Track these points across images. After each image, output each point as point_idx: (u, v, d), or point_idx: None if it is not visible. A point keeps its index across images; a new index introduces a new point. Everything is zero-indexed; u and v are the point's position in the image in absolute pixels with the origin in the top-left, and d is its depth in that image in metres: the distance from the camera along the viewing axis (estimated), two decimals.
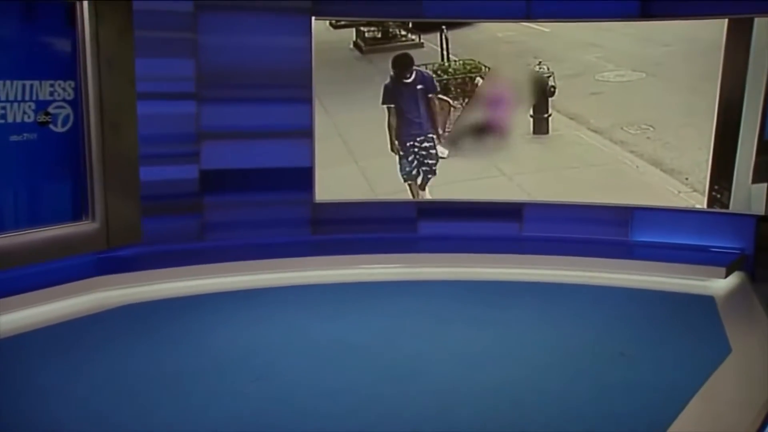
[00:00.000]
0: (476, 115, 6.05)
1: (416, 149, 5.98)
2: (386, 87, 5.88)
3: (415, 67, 5.89)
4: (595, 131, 5.92)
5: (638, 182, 5.87)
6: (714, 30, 5.54)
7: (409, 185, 6.07)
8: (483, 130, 6.03)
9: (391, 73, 5.91)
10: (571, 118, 5.97)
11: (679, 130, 5.75)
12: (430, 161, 6.00)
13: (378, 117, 6.04)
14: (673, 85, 5.73)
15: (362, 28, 6.01)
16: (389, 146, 5.96)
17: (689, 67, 5.67)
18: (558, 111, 6.01)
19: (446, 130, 5.99)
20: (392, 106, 5.89)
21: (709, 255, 5.62)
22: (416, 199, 6.14)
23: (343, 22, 5.95)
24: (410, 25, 6.05)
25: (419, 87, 5.91)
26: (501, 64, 6.00)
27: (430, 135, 5.96)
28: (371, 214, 6.14)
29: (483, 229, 6.13)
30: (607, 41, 5.88)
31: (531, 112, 6.03)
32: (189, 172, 5.78)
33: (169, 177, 5.68)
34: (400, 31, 6.02)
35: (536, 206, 6.16)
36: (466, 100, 6.02)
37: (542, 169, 6.05)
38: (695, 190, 5.74)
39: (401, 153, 5.97)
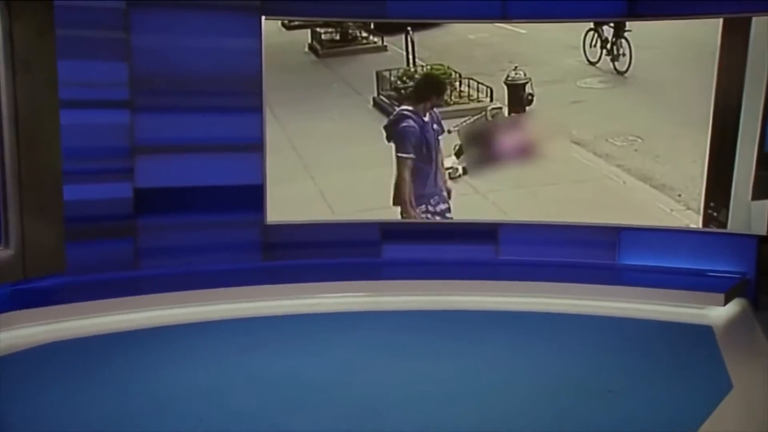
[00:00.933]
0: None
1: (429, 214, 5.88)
2: (410, 129, 5.74)
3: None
4: (577, 143, 5.89)
5: (626, 200, 5.82)
6: (708, 31, 5.48)
7: None
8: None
9: (412, 104, 5.83)
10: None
11: (670, 141, 5.69)
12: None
13: (337, 128, 5.92)
14: (664, 92, 5.69)
15: (318, 30, 5.93)
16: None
17: (681, 72, 5.59)
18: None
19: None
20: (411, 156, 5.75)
21: (706, 280, 5.54)
22: (379, 220, 6.00)
23: (296, 23, 5.87)
24: (372, 26, 5.96)
25: (435, 128, 5.81)
26: (473, 69, 5.91)
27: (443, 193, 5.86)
28: (330, 236, 6.02)
29: (454, 253, 6.05)
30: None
31: None
32: (121, 190, 5.62)
33: (97, 196, 5.53)
34: (360, 33, 5.98)
35: (513, 227, 6.07)
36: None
37: (519, 186, 5.99)
38: (689, 208, 5.68)
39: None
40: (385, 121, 5.92)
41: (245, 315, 5.11)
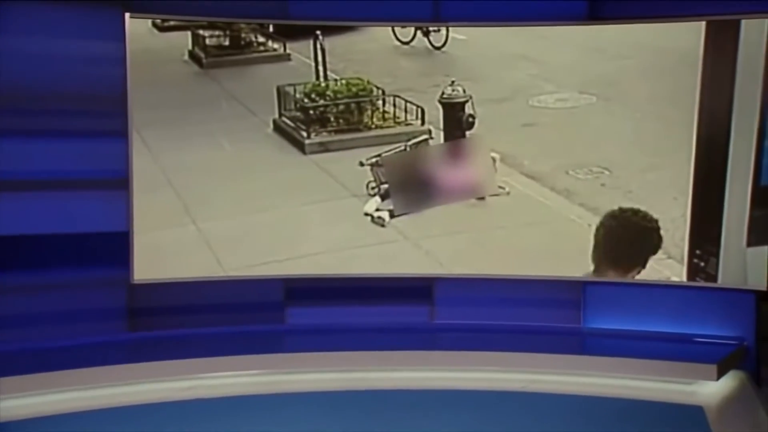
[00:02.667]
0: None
1: None
2: None
3: None
4: (530, 177, 5.75)
5: (591, 247, 5.62)
6: (688, 37, 5.32)
7: None
8: None
9: None
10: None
11: (644, 173, 5.53)
12: None
13: (227, 158, 5.66)
14: (635, 113, 5.57)
15: (202, 32, 5.62)
16: None
17: (656, 88, 5.48)
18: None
19: None
20: None
21: (693, 348, 5.35)
22: (283, 275, 5.70)
23: (172, 23, 5.57)
24: (271, 28, 5.74)
25: None
26: (400, 84, 5.78)
27: None
28: (217, 298, 5.70)
29: (379, 317, 5.76)
30: (543, 53, 5.73)
31: None
32: None
33: None
34: (256, 38, 5.74)
35: (452, 282, 5.84)
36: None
37: (459, 231, 5.79)
38: (670, 257, 5.49)
39: None
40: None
41: (104, 405, 4.82)
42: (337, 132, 5.84)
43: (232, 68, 5.75)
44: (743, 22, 5.14)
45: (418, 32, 5.69)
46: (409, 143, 5.80)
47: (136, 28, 5.47)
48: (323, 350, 5.34)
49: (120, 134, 5.43)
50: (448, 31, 5.68)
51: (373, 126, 5.84)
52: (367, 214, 5.75)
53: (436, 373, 5.23)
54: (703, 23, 5.27)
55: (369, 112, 5.80)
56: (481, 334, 5.63)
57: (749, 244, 5.29)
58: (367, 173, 5.76)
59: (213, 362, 5.14)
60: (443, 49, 5.69)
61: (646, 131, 5.54)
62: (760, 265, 5.28)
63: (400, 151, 5.78)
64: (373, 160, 5.72)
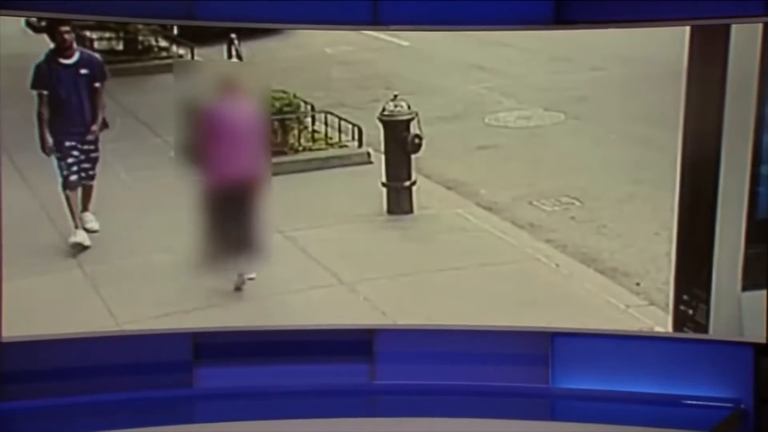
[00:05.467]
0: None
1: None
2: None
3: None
4: (488, 209, 5.51)
5: (560, 291, 5.36)
6: (670, 44, 5.04)
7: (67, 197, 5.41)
8: None
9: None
10: (450, 188, 5.61)
11: (621, 204, 5.31)
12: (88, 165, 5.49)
13: (123, 187, 5.29)
14: (610, 133, 5.39)
15: (88, 34, 5.24)
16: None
17: (633, 104, 5.22)
18: (427, 176, 5.60)
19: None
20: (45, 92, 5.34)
21: (681, 412, 5.01)
22: (191, 329, 5.29)
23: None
24: (175, 31, 5.43)
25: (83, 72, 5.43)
26: (332, 98, 5.58)
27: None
28: (109, 357, 5.22)
29: (308, 377, 5.37)
30: (502, 62, 5.54)
31: (383, 179, 5.54)
32: None
33: None
34: (157, 41, 5.43)
35: (397, 335, 5.47)
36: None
37: (404, 273, 5.47)
38: (652, 303, 5.18)
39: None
40: None
41: None
42: None
43: (127, 78, 5.40)
44: (733, 27, 4.83)
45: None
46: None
47: (6, 28, 5.05)
48: (239, 419, 4.89)
49: None
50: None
51: (301, 148, 5.63)
52: None
53: None
54: (687, 29, 4.97)
55: (296, 132, 5.54)
56: (431, 397, 5.30)
57: (744, 288, 4.98)
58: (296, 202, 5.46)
59: None
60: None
61: (622, 155, 5.33)
62: (757, 313, 4.95)
63: None
64: None
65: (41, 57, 5.27)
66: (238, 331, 5.40)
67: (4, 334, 5.03)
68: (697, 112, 5.03)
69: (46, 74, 5.35)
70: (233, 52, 5.33)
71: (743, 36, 4.84)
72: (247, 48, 5.40)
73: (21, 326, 5.07)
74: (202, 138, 5.30)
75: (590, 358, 5.35)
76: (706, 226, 5.02)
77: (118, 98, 5.34)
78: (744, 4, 4.84)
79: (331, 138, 5.61)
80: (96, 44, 5.29)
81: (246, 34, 5.37)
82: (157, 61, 5.42)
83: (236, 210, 5.46)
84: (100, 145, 5.58)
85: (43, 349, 5.14)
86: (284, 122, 5.53)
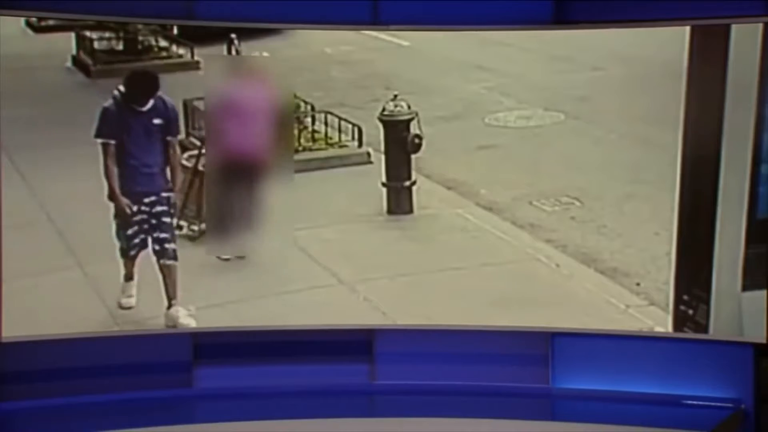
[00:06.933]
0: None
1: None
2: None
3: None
4: (488, 209, 5.53)
5: (560, 291, 5.38)
6: (670, 44, 5.07)
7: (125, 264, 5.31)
8: None
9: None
10: (450, 188, 5.62)
11: (621, 204, 5.33)
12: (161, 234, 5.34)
13: None
14: (610, 133, 5.40)
15: (89, 34, 5.25)
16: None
17: (634, 104, 5.24)
18: (427, 176, 5.62)
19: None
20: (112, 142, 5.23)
21: (681, 412, 5.04)
22: (189, 330, 5.29)
23: (51, 22, 5.19)
24: (175, 30, 5.44)
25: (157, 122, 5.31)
26: (332, 98, 5.61)
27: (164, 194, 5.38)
28: (108, 358, 5.24)
29: (308, 378, 5.39)
30: (502, 62, 5.55)
31: (383, 179, 5.55)
32: None
33: None
34: (157, 41, 5.41)
35: (397, 335, 5.49)
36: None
37: (404, 273, 5.49)
38: (653, 303, 5.21)
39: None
40: None
41: None
42: None
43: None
44: (733, 27, 4.85)
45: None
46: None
47: (6, 28, 5.06)
48: (239, 420, 4.92)
49: None
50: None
51: (301, 148, 5.59)
52: None
53: None
54: (687, 29, 4.99)
55: (295, 132, 5.49)
56: (431, 397, 5.32)
57: (745, 287, 5.01)
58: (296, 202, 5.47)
59: None
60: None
61: (622, 155, 5.35)
62: (757, 313, 4.98)
63: None
64: None
65: (109, 100, 5.11)
66: (238, 331, 5.43)
67: (4, 334, 5.05)
68: (697, 112, 5.05)
69: (115, 121, 5.16)
70: (233, 52, 5.31)
71: (743, 36, 4.86)
72: (247, 48, 5.39)
73: (21, 326, 5.09)
74: (214, 117, 5.29)
75: (590, 358, 5.38)
76: (706, 226, 5.05)
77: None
78: (744, 4, 4.86)
79: (331, 138, 5.63)
80: (96, 44, 5.30)
81: (246, 34, 5.37)
82: (156, 61, 5.41)
83: (241, 187, 5.43)
84: (175, 211, 5.37)
85: (43, 349, 5.15)
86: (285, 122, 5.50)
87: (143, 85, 5.20)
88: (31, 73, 5.18)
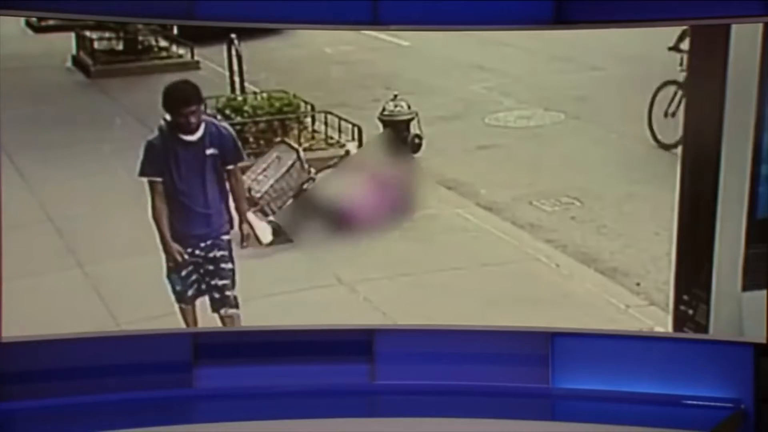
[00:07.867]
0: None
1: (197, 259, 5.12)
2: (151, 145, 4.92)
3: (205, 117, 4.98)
4: (488, 209, 5.52)
5: (560, 291, 5.37)
6: (669, 44, 5.06)
7: (182, 310, 5.20)
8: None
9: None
10: (449, 188, 5.58)
11: (621, 204, 5.32)
12: (219, 281, 5.14)
13: (122, 187, 5.19)
14: (610, 133, 5.39)
15: (89, 34, 5.25)
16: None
17: (634, 104, 5.21)
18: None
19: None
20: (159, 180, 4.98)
21: (681, 412, 5.03)
22: (190, 329, 5.29)
23: (51, 22, 5.18)
24: (175, 30, 5.42)
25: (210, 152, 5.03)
26: (332, 98, 5.60)
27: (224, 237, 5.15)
28: (109, 358, 5.22)
29: (307, 378, 5.37)
30: (502, 62, 5.53)
31: None
32: None
33: None
34: (156, 41, 5.40)
35: (397, 335, 5.47)
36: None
37: (404, 273, 5.49)
38: (653, 303, 5.20)
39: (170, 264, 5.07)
40: None
41: None
42: (257, 155, 5.48)
43: (127, 78, 5.42)
44: (733, 27, 4.84)
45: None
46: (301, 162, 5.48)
47: (6, 28, 5.04)
48: (239, 420, 4.90)
49: None
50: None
51: (302, 147, 5.55)
52: None
53: None
54: (686, 27, 4.98)
55: (295, 132, 5.51)
56: (431, 397, 5.30)
57: (745, 287, 5.00)
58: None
59: None
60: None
61: (622, 155, 5.36)
62: (758, 313, 4.97)
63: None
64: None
65: (155, 132, 4.84)
66: (237, 331, 5.41)
67: (4, 334, 5.03)
68: (697, 112, 5.05)
69: (161, 155, 4.78)
70: (233, 52, 5.30)
71: (743, 36, 4.85)
72: (247, 48, 5.40)
73: (21, 326, 5.07)
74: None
75: (590, 358, 5.37)
76: (706, 226, 5.05)
77: (117, 98, 5.35)
78: (744, 4, 4.85)
79: (330, 138, 5.61)
80: (96, 44, 5.29)
81: (246, 34, 5.37)
82: (157, 61, 5.41)
83: None
84: (234, 254, 5.04)
85: (43, 349, 5.13)
86: (284, 122, 5.53)
87: (182, 96, 4.78)
88: (31, 73, 5.17)
